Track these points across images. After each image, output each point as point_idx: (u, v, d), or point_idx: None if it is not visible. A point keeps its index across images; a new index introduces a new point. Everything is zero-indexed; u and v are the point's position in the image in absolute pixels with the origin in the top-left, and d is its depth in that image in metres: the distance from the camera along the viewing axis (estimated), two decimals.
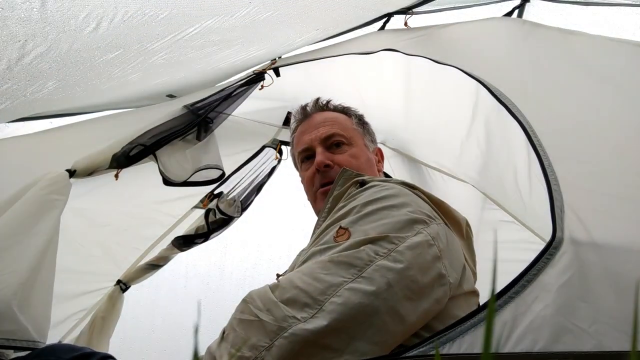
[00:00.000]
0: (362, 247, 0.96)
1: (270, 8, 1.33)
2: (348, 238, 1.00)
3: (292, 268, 1.18)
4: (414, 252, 0.97)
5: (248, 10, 1.27)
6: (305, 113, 1.59)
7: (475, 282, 1.23)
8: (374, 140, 1.62)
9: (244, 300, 0.96)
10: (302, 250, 1.20)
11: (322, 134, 1.48)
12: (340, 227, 1.04)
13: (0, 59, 1.05)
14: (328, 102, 1.62)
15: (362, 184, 1.22)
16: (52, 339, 1.34)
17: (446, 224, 1.14)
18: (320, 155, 1.44)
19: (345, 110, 1.61)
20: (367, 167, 1.46)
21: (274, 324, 0.88)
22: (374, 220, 1.03)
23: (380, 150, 1.63)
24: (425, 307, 0.96)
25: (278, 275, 1.31)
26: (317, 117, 1.55)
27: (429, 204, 1.16)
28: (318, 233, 1.13)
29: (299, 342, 0.86)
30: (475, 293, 1.15)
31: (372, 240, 0.97)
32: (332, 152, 1.46)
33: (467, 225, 1.24)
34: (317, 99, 1.62)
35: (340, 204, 1.16)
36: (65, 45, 1.10)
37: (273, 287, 0.96)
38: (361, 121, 1.60)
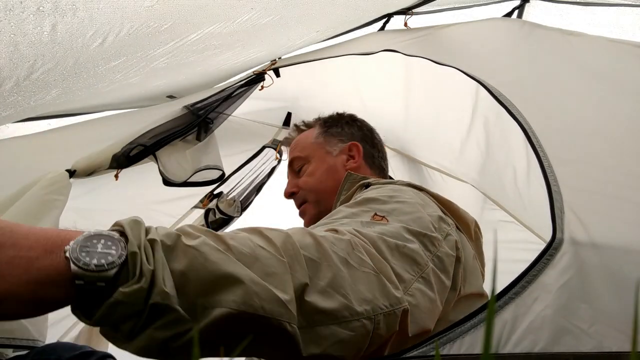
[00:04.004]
0: None
1: (272, 13, 1.33)
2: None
3: None
4: None
5: (250, 15, 1.27)
6: (288, 142, 1.64)
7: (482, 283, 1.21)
8: (344, 139, 1.50)
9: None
10: None
11: (288, 162, 1.55)
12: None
13: (10, 78, 1.07)
14: (303, 122, 1.64)
15: (367, 186, 1.21)
16: (51, 337, 1.34)
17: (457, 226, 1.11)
18: (286, 186, 1.51)
19: (312, 124, 1.60)
20: (326, 178, 1.43)
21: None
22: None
23: (354, 145, 1.47)
24: None
25: None
26: (292, 144, 1.59)
27: (438, 206, 1.12)
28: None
29: None
30: (481, 295, 1.10)
31: None
32: (299, 177, 1.49)
33: (476, 225, 1.20)
34: (295, 124, 1.67)
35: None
36: (71, 60, 1.12)
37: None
38: (325, 126, 1.54)
